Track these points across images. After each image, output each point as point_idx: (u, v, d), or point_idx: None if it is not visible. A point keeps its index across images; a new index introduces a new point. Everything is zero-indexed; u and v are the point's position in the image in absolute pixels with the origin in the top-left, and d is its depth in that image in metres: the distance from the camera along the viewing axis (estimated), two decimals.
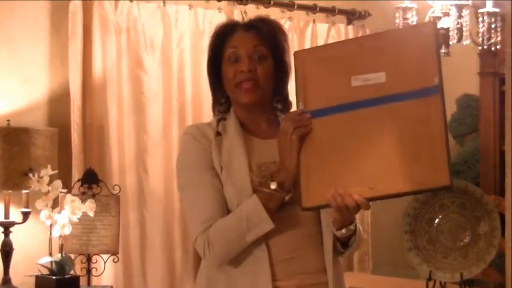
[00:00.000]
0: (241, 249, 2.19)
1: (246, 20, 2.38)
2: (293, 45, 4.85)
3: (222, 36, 2.32)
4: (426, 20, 4.43)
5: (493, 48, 4.32)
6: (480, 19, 4.24)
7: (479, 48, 4.50)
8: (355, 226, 2.26)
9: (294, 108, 2.29)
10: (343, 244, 2.30)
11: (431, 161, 2.00)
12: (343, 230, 2.22)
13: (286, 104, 2.38)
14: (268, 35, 2.30)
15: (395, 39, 2.13)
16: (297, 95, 2.19)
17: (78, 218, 3.64)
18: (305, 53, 2.38)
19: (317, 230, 2.29)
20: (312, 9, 4.95)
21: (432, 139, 2.01)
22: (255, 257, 2.21)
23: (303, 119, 2.14)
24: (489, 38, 4.25)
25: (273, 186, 2.15)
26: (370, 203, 2.08)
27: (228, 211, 2.22)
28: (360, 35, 5.18)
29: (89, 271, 3.82)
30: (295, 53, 2.23)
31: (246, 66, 2.25)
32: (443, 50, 4.24)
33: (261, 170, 2.25)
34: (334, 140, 2.11)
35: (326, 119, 2.13)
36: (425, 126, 2.02)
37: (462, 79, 5.18)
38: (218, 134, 2.29)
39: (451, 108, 5.27)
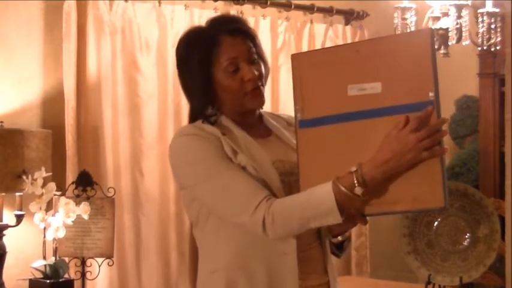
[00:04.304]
0: (303, 231, 2.10)
1: (211, 21, 2.28)
2: (290, 45, 4.84)
3: (208, 48, 2.21)
4: (425, 20, 4.40)
5: (492, 49, 4.31)
6: (480, 19, 4.23)
7: (479, 48, 4.48)
8: (350, 232, 2.26)
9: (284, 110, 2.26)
10: (337, 248, 2.30)
11: (425, 180, 1.97)
12: (339, 237, 2.24)
13: None
14: (252, 36, 2.27)
15: (391, 47, 2.08)
16: (294, 101, 2.16)
17: (72, 221, 3.61)
18: (302, 56, 2.35)
19: (317, 230, 2.26)
20: (309, 9, 4.92)
21: None
22: (281, 254, 2.16)
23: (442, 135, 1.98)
24: (489, 39, 4.23)
25: (358, 191, 1.98)
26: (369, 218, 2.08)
27: None
28: (358, 35, 5.17)
29: (83, 275, 3.79)
30: (293, 56, 2.20)
31: (252, 74, 2.20)
32: (442, 51, 4.21)
33: (275, 167, 2.21)
34: (331, 152, 2.09)
35: (323, 129, 2.10)
36: None
37: (461, 80, 5.16)
38: (222, 134, 2.22)
39: (450, 110, 5.25)
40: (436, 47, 2.08)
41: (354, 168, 1.99)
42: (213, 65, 2.21)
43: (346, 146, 2.06)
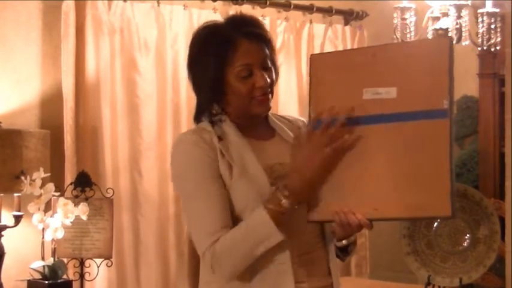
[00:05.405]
0: (251, 262, 2.14)
1: (230, 20, 2.29)
2: (289, 45, 4.82)
3: (223, 48, 2.21)
4: (425, 20, 4.39)
5: (492, 49, 4.30)
6: (480, 19, 4.22)
7: (479, 49, 4.47)
8: (355, 236, 2.26)
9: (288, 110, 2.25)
10: (341, 251, 2.31)
11: (434, 189, 1.98)
12: (344, 241, 2.24)
13: None
14: (268, 42, 2.27)
15: (409, 53, 2.09)
16: (309, 101, 2.17)
17: (71, 222, 3.60)
18: (321, 57, 2.38)
19: (321, 232, 2.28)
20: (308, 9, 4.91)
21: (436, 166, 1.99)
22: (278, 263, 2.17)
23: (342, 131, 2.07)
24: (489, 39, 4.22)
25: (285, 203, 2.08)
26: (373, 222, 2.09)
27: (239, 211, 2.17)
28: (357, 35, 5.15)
29: (82, 275, 3.78)
30: (311, 56, 2.22)
31: (265, 81, 2.21)
32: None
33: (273, 171, 2.22)
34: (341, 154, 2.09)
35: (350, 131, 2.10)
36: (430, 150, 2.01)
37: (461, 80, 5.14)
38: (219, 138, 2.22)
39: None
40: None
41: (273, 188, 2.11)
42: (227, 66, 2.21)
43: (357, 149, 2.07)
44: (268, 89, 2.23)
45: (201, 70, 2.26)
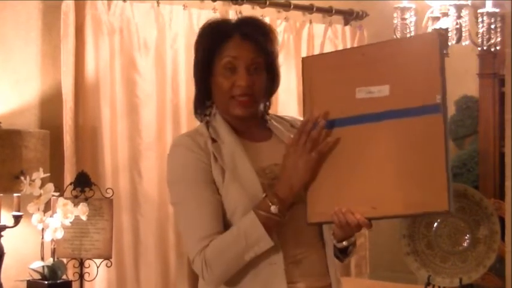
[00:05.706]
0: (240, 267, 2.15)
1: (238, 18, 2.32)
2: (289, 46, 4.82)
3: (217, 39, 2.24)
4: (425, 20, 4.39)
5: (492, 49, 4.29)
6: (479, 19, 4.21)
7: (479, 49, 4.47)
8: (355, 237, 2.26)
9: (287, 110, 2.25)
10: (341, 252, 2.30)
11: (430, 185, 1.99)
12: (344, 242, 2.24)
13: (269, 104, 2.37)
14: (265, 46, 2.26)
15: (399, 50, 2.10)
16: (304, 104, 2.18)
17: (70, 222, 3.60)
18: (312, 59, 2.39)
19: (319, 231, 2.28)
20: (308, 9, 4.91)
21: (432, 161, 1.99)
22: (269, 263, 2.17)
23: (322, 134, 2.10)
24: (489, 39, 4.22)
25: (274, 210, 2.10)
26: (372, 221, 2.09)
27: (231, 215, 2.17)
28: (357, 35, 5.15)
29: (81, 276, 3.77)
30: (303, 59, 2.22)
31: (245, 81, 2.20)
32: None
33: (266, 173, 2.22)
34: (338, 155, 2.10)
35: (331, 133, 2.11)
36: (425, 146, 2.01)
37: (461, 80, 5.14)
38: (213, 140, 2.23)
39: (450, 110, 5.21)
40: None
41: (264, 194, 2.13)
42: (216, 58, 2.23)
43: (353, 149, 2.08)
44: (249, 92, 2.21)
45: (195, 62, 2.30)
